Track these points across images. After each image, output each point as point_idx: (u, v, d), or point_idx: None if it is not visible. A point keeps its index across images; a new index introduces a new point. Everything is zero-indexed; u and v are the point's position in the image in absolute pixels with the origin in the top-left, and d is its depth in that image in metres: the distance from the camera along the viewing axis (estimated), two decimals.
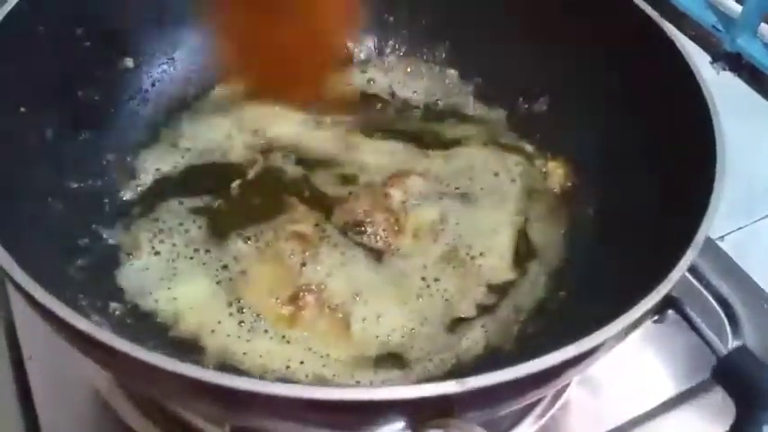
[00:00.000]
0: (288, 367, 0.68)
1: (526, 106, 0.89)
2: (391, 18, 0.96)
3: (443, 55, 0.95)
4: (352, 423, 0.50)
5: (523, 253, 0.78)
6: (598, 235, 0.76)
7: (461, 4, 0.91)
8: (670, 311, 0.59)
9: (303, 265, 0.75)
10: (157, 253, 0.75)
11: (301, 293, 0.72)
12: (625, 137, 0.77)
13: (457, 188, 0.83)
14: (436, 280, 0.75)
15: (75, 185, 0.75)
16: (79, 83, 0.79)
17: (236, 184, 0.82)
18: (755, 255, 0.91)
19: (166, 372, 0.46)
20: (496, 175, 0.85)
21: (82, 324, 0.49)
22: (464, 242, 0.78)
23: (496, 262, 0.77)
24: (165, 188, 0.81)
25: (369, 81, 0.94)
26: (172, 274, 0.73)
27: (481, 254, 0.77)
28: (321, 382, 0.67)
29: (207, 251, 0.76)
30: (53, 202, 0.71)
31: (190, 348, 0.68)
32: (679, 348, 0.80)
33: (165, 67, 0.89)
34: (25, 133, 0.71)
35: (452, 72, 0.94)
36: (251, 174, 0.83)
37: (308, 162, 0.85)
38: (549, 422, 0.74)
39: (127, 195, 0.79)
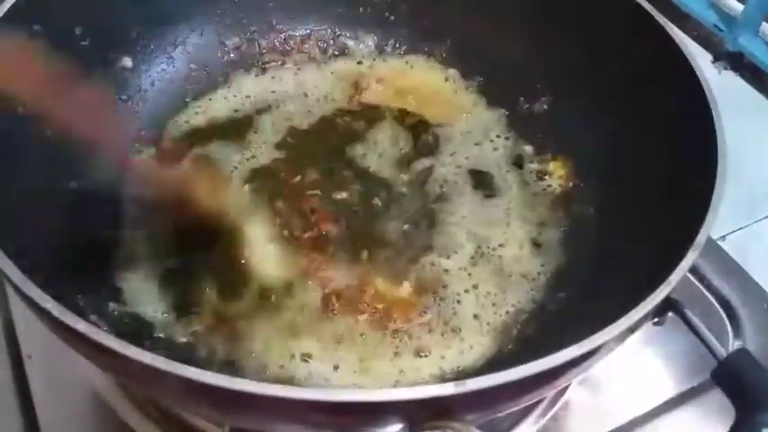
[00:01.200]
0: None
1: (527, 106, 0.89)
2: (392, 17, 0.96)
3: (444, 54, 0.95)
4: (351, 424, 0.50)
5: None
6: (598, 235, 0.76)
7: (462, 3, 0.91)
8: (670, 314, 0.58)
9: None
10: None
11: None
12: (626, 137, 0.77)
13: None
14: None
15: (75, 185, 0.75)
16: (77, 82, 0.79)
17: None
18: (757, 255, 0.91)
19: (164, 373, 0.46)
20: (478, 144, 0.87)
21: (80, 325, 0.48)
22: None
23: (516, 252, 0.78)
24: None
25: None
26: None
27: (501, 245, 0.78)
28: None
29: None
30: (52, 201, 0.71)
31: (188, 350, 0.68)
32: (679, 349, 0.80)
33: (164, 66, 0.89)
34: (24, 133, 0.70)
35: (453, 71, 0.94)
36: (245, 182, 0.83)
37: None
38: (549, 422, 0.74)
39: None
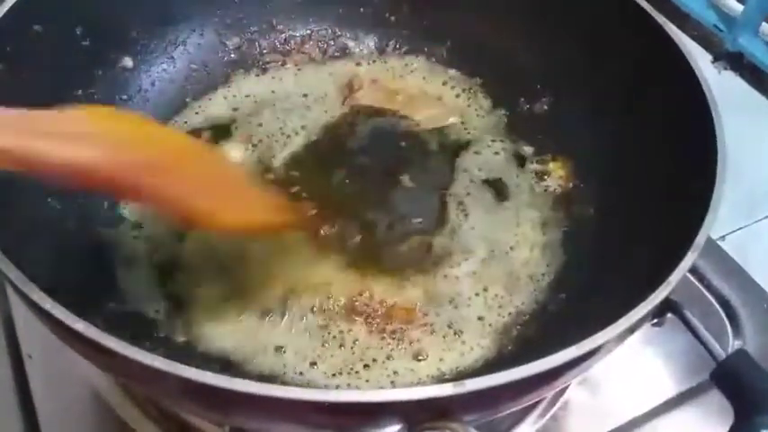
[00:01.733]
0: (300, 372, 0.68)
1: (527, 106, 0.89)
2: (392, 18, 0.96)
3: (444, 54, 0.95)
4: (350, 425, 0.50)
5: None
6: (598, 235, 0.76)
7: (462, 3, 0.91)
8: (669, 315, 0.59)
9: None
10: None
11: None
12: (626, 137, 0.77)
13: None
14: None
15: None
16: (78, 82, 0.79)
17: None
18: (756, 255, 0.91)
19: (164, 373, 0.46)
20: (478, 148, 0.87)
21: (80, 325, 0.48)
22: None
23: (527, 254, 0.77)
24: None
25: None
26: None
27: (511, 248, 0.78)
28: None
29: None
30: (52, 201, 0.71)
31: (188, 349, 0.68)
32: (679, 349, 0.80)
33: (164, 66, 0.89)
34: None
35: (453, 72, 0.94)
36: None
37: None
38: (549, 422, 0.74)
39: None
